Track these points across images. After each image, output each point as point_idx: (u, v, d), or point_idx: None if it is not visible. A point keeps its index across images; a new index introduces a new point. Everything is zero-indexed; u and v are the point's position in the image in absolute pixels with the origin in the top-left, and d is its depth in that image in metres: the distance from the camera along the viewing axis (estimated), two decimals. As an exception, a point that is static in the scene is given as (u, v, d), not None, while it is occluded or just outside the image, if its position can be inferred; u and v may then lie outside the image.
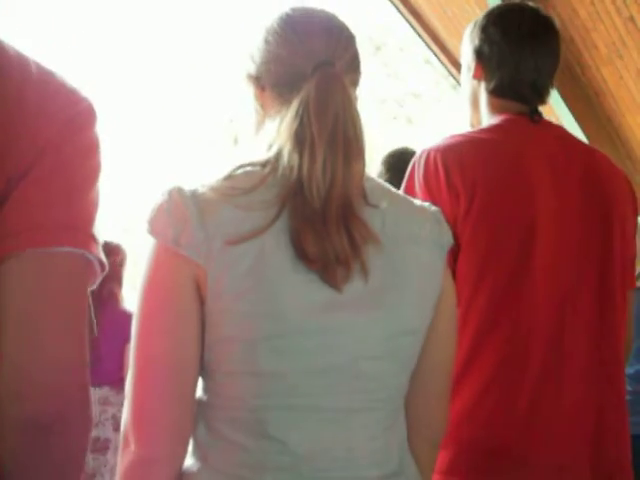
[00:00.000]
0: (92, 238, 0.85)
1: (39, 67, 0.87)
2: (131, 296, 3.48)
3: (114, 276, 3.23)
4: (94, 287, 0.88)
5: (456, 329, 1.13)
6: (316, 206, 0.95)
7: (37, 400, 0.80)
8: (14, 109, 0.83)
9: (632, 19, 5.25)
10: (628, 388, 2.93)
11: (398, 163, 2.12)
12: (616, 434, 1.41)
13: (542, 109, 1.55)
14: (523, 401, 1.33)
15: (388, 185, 1.11)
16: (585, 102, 5.85)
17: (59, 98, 0.87)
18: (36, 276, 0.81)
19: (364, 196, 1.01)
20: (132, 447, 0.95)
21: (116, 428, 3.09)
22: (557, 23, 1.53)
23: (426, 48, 5.07)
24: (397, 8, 4.43)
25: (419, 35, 4.80)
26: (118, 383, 3.14)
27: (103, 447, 3.12)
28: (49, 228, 0.82)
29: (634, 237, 1.52)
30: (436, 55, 5.05)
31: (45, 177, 0.82)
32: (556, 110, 5.40)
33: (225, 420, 0.98)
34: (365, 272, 0.97)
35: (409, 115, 11.72)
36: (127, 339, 3.11)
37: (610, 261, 1.42)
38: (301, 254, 0.94)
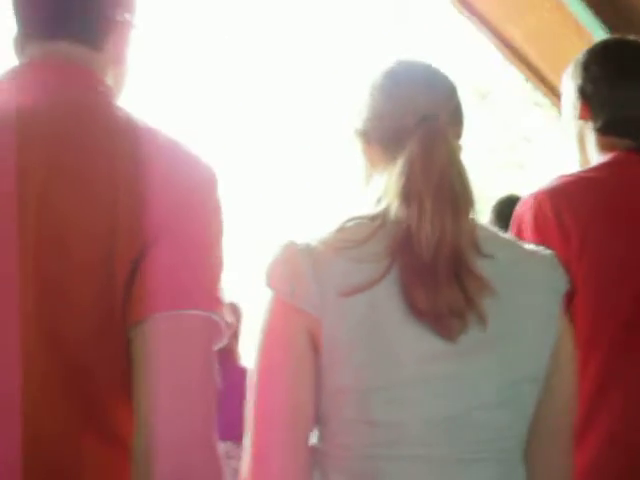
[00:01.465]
0: (218, 300, 0.91)
1: (167, 138, 0.95)
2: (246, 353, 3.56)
3: (232, 333, 3.31)
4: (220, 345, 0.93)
5: (576, 376, 1.09)
6: (426, 260, 0.96)
7: (170, 457, 0.83)
8: (146, 179, 0.90)
9: None
10: None
11: (507, 210, 2.13)
12: None
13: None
14: None
15: (500, 232, 1.10)
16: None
17: (185, 167, 0.94)
18: (166, 338, 0.87)
19: (476, 246, 1.01)
20: None
21: (238, 480, 3.12)
22: None
23: (534, 91, 4.99)
24: (502, 53, 4.40)
25: (526, 78, 4.74)
26: (239, 438, 3.18)
27: (227, 499, 3.16)
28: (178, 292, 0.88)
29: None
30: (545, 96, 4.96)
31: (174, 242, 0.89)
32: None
33: (339, 468, 0.99)
34: (483, 322, 0.97)
35: (520, 161, 11.53)
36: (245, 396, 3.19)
37: None
38: (412, 307, 0.95)
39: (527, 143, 11.56)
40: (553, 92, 5.21)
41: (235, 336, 3.45)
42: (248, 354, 3.42)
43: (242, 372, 3.24)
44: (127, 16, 1.05)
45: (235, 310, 3.38)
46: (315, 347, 0.99)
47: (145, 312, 0.86)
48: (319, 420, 1.02)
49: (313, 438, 1.04)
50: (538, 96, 5.28)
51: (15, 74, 1.01)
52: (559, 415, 1.08)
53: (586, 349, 1.24)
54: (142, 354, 0.86)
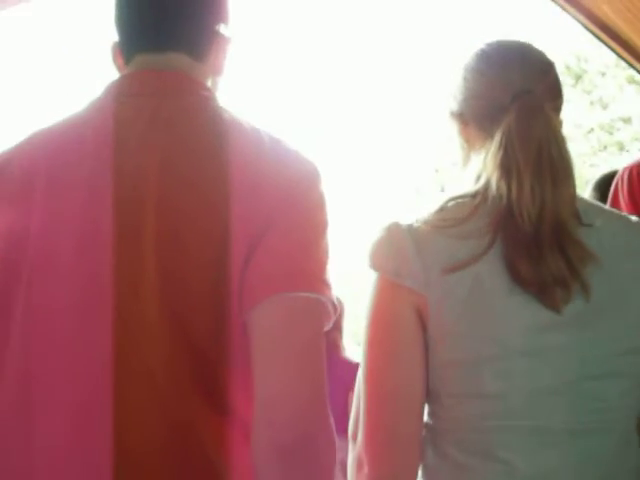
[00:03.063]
0: (326, 283, 0.97)
1: (270, 136, 1.01)
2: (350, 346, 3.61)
3: (336, 326, 3.37)
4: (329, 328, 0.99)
5: None
6: (528, 230, 0.98)
7: (285, 426, 0.90)
8: (254, 175, 0.96)
9: None
10: None
11: (606, 187, 2.09)
12: None
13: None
14: None
15: (601, 204, 1.10)
16: None
17: (288, 162, 1.00)
18: (279, 318, 0.93)
19: (577, 216, 1.01)
20: (366, 469, 1.01)
21: (344, 473, 3.17)
22: None
23: (629, 68, 4.84)
24: (593, 32, 4.29)
25: (619, 56, 4.60)
26: (343, 432, 3.22)
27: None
28: (291, 276, 0.93)
29: None
30: (641, 73, 4.80)
31: (284, 231, 0.95)
32: None
33: (451, 442, 1.01)
34: (586, 291, 0.98)
35: (620, 142, 11.13)
36: (350, 387, 3.21)
37: None
38: (517, 278, 0.97)
39: (625, 123, 11.15)
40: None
41: (339, 329, 3.48)
42: (350, 349, 3.48)
43: (348, 365, 3.27)
44: (227, 29, 1.13)
45: (337, 304, 3.41)
46: (422, 323, 1.00)
47: (260, 296, 0.92)
48: (430, 396, 1.03)
49: (425, 415, 1.05)
50: (634, 74, 5.11)
51: (125, 81, 1.06)
52: None
53: None
54: (260, 334, 0.92)
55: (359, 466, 1.03)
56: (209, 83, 1.12)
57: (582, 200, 1.06)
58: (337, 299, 0.99)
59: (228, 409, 0.97)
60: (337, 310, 0.99)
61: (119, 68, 1.13)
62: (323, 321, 0.96)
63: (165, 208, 0.95)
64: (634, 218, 1.09)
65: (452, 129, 1.15)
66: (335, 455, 0.94)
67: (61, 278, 0.95)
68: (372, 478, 1.01)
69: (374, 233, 1.05)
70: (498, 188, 1.00)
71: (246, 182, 0.95)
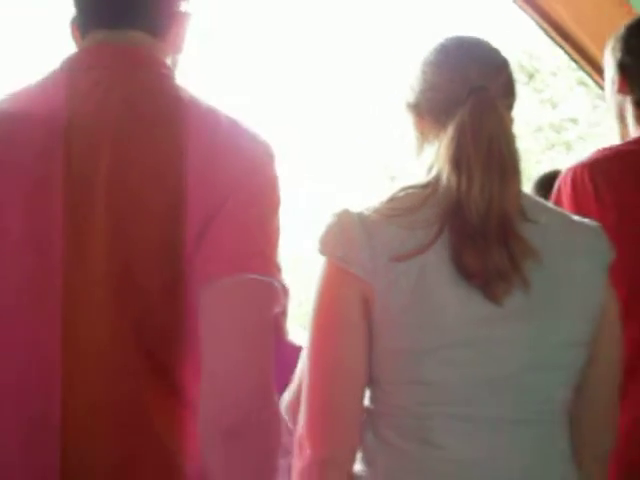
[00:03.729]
0: (277, 266, 0.98)
1: (227, 116, 1.02)
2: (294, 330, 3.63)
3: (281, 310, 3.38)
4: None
5: (620, 342, 1.13)
6: (475, 224, 1.01)
7: (231, 405, 0.92)
8: (209, 153, 0.97)
9: None
10: None
11: (548, 185, 2.12)
12: None
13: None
14: None
15: (545, 202, 1.14)
16: None
17: (244, 142, 1.01)
18: (230, 299, 0.94)
19: (522, 212, 1.05)
20: (307, 451, 1.03)
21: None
22: None
23: (580, 71, 4.93)
24: (546, 32, 4.35)
25: (571, 57, 4.69)
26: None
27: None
28: (241, 258, 0.95)
29: None
30: (590, 76, 4.90)
31: (235, 212, 0.96)
32: None
33: (390, 427, 1.04)
34: (526, 286, 1.01)
35: (568, 141, 11.35)
36: (293, 370, 3.25)
37: None
38: (462, 270, 1.00)
39: (573, 124, 11.37)
40: (599, 72, 5.14)
41: (284, 312, 3.50)
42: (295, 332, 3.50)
43: (289, 348, 3.29)
44: (187, 7, 1.12)
45: (287, 287, 3.42)
46: (368, 310, 1.02)
47: (213, 276, 0.93)
48: (371, 381, 1.05)
49: (365, 399, 1.08)
50: (584, 76, 5.22)
51: (81, 54, 1.06)
52: (603, 381, 1.11)
53: (623, 318, 1.22)
54: (211, 313, 0.93)
55: (300, 448, 1.04)
56: (169, 61, 1.11)
57: (527, 197, 1.10)
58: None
59: (176, 386, 0.98)
60: (287, 294, 1.00)
61: (77, 44, 1.12)
62: (274, 304, 0.98)
63: (116, 185, 0.95)
64: (575, 217, 1.13)
65: (408, 120, 1.17)
66: (280, 437, 0.95)
67: (10, 256, 0.94)
68: (312, 459, 1.03)
69: (325, 219, 1.07)
70: (448, 180, 1.02)
71: (200, 161, 0.95)
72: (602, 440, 1.14)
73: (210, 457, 0.93)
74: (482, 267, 0.99)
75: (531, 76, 11.57)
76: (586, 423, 1.11)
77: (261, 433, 0.93)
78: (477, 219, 1.00)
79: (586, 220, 1.13)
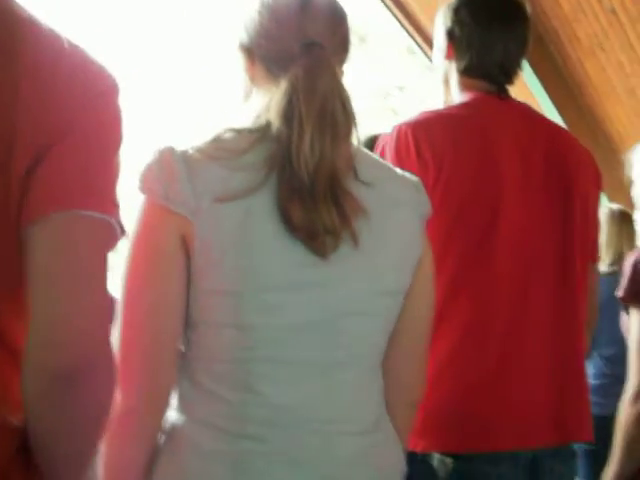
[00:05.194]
0: (114, 204, 0.90)
1: (70, 43, 0.92)
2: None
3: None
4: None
5: (433, 293, 1.17)
6: (304, 180, 0.99)
7: (61, 348, 0.84)
8: (48, 80, 0.87)
9: (614, 11, 5.28)
10: (605, 370, 2.98)
11: (372, 148, 2.18)
12: (577, 399, 1.47)
13: (525, 99, 1.59)
14: (490, 363, 1.38)
15: (376, 158, 1.16)
16: (567, 93, 5.89)
17: (88, 73, 0.92)
18: (62, 237, 0.86)
19: (354, 170, 1.05)
20: (118, 398, 0.98)
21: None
22: (529, 8, 1.61)
23: (409, 38, 5.08)
24: (381, -2, 4.43)
25: (402, 25, 4.81)
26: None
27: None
28: (76, 193, 0.86)
29: (596, 213, 1.57)
30: (419, 46, 5.07)
31: (73, 146, 0.87)
32: (538, 100, 5.45)
33: (207, 372, 1.01)
34: (355, 241, 1.02)
35: (394, 107, 11.75)
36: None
37: (571, 235, 1.50)
38: (287, 223, 0.98)
39: (400, 91, 11.77)
40: (427, 42, 5.33)
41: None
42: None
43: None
44: None
45: (118, 229, 3.28)
46: (187, 251, 0.99)
47: (42, 210, 0.84)
48: (188, 325, 1.03)
49: (181, 343, 1.05)
50: (413, 45, 5.38)
51: None
52: (417, 327, 1.15)
53: (438, 263, 1.29)
54: (39, 252, 0.84)
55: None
56: None
57: (359, 152, 1.09)
58: None
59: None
60: (124, 233, 0.93)
61: None
62: (108, 244, 0.89)
63: None
64: (399, 171, 1.15)
65: (239, 61, 1.12)
66: (114, 386, 0.89)
67: None
68: (124, 406, 0.98)
69: (148, 156, 1.01)
70: (278, 134, 1.00)
71: (39, 86, 0.86)
72: (413, 387, 1.18)
73: (37, 407, 0.85)
74: (308, 223, 0.99)
75: (363, 40, 11.81)
76: (398, 370, 1.14)
77: (94, 380, 0.86)
78: (306, 176, 0.99)
79: (408, 174, 1.16)
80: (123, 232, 0.92)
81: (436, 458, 1.37)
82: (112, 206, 0.90)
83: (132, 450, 1.02)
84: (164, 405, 1.02)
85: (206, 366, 1.02)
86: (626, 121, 6.00)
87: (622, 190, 3.90)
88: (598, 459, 1.84)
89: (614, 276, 2.41)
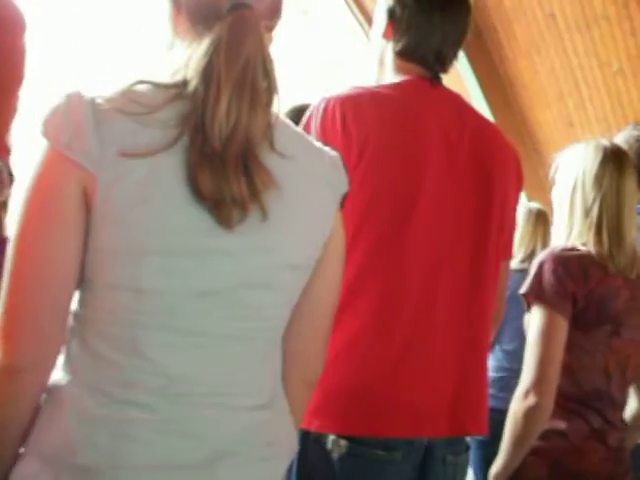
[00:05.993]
0: (5, 147, 0.83)
1: None
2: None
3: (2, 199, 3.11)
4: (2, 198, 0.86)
5: (342, 273, 1.15)
6: (216, 146, 0.94)
7: None
8: None
9: (553, 15, 5.39)
10: (505, 364, 3.05)
11: (298, 118, 2.16)
12: (476, 392, 1.50)
13: (457, 90, 1.59)
14: (394, 350, 1.38)
15: (296, 129, 1.12)
16: (499, 89, 6.00)
17: None
18: None
19: (270, 141, 1.01)
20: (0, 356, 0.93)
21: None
22: (472, 1, 1.61)
23: (351, 15, 5.06)
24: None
25: (345, 1, 4.78)
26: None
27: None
28: None
29: (514, 211, 1.59)
30: (360, 23, 5.05)
31: None
32: (470, 92, 5.53)
33: (99, 335, 0.96)
34: (264, 214, 0.98)
35: (330, 81, 11.74)
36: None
37: (487, 230, 1.51)
38: (195, 189, 0.94)
39: (338, 65, 11.77)
40: (369, 20, 5.32)
41: (4, 205, 3.23)
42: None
43: (5, 243, 3.05)
44: None
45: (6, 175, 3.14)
46: (87, 205, 0.94)
47: None
48: (83, 284, 0.98)
49: (74, 302, 1.00)
50: (354, 22, 5.37)
51: None
52: (321, 305, 1.13)
53: (351, 242, 1.30)
54: None
55: None
56: None
57: (279, 124, 1.04)
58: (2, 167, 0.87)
59: None
60: (13, 180, 0.87)
61: None
62: None
63: None
64: (319, 145, 1.12)
65: (164, 7, 1.06)
66: None
67: None
68: (4, 365, 0.93)
69: (53, 100, 0.94)
70: (196, 91, 0.96)
71: None
72: (311, 366, 1.16)
73: None
74: (216, 192, 0.94)
75: (305, 12, 11.73)
76: (298, 348, 1.12)
77: None
78: (219, 142, 0.95)
79: (328, 149, 1.13)
80: (12, 180, 0.86)
81: (330, 439, 1.36)
82: (3, 149, 0.84)
83: (10, 409, 0.96)
84: (49, 365, 0.97)
85: (99, 329, 0.97)
86: (552, 125, 6.16)
87: (542, 190, 3.99)
88: (490, 450, 1.88)
89: (523, 273, 2.46)
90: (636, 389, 1.87)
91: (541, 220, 3.28)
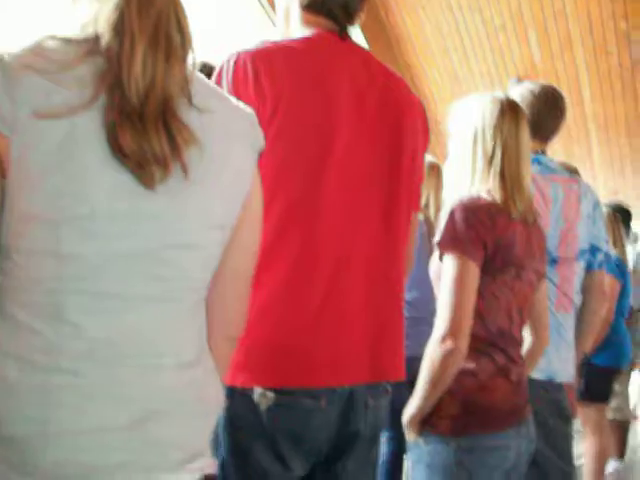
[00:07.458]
0: None
1: None
2: None
3: None
4: None
5: (260, 229, 1.16)
6: (134, 103, 0.92)
7: None
8: None
9: (437, -29, 5.47)
10: (405, 313, 3.15)
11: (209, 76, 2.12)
12: (393, 340, 1.55)
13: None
14: (313, 304, 1.41)
15: (211, 83, 1.11)
16: (386, 45, 6.07)
17: None
18: None
19: (188, 96, 0.99)
20: None
21: None
22: None
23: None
24: None
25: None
26: None
27: None
28: None
29: (422, 163, 1.64)
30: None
31: None
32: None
33: (20, 303, 0.94)
34: (185, 172, 0.97)
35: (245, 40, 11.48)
36: None
37: (398, 182, 1.54)
38: (116, 148, 0.92)
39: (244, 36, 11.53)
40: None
41: None
42: None
43: None
44: None
45: None
46: (2, 169, 0.91)
47: None
48: (2, 252, 0.95)
49: None
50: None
51: None
52: (241, 262, 1.13)
53: (268, 199, 1.29)
54: None
55: None
56: None
57: (195, 79, 1.03)
58: None
59: None
60: None
61: None
62: None
63: None
64: (235, 102, 1.12)
65: None
66: None
67: None
68: None
69: None
70: (108, 49, 0.93)
71: None
72: (233, 322, 1.18)
73: None
74: (137, 150, 0.93)
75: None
76: (219, 305, 1.12)
77: None
78: (136, 99, 0.93)
79: (243, 106, 1.13)
80: None
81: (257, 392, 1.38)
82: None
83: None
84: None
85: (18, 297, 0.95)
86: (439, 80, 6.31)
87: (436, 145, 4.10)
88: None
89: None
90: (530, 327, 1.99)
91: (434, 172, 3.37)
